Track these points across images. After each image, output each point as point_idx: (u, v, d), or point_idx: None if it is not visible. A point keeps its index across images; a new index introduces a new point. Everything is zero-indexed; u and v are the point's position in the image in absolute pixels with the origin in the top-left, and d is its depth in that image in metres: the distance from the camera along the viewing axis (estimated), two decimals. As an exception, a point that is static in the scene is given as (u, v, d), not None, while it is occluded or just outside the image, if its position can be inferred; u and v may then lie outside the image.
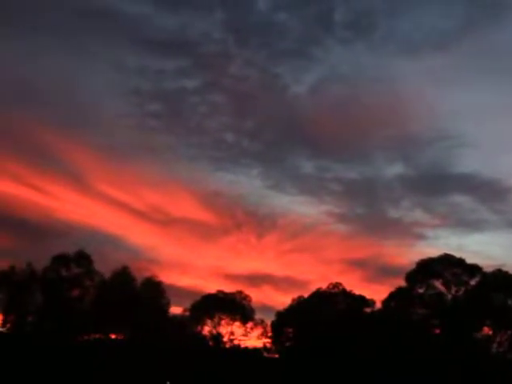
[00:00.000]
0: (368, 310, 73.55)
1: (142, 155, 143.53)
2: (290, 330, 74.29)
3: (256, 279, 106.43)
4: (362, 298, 74.36)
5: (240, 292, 75.72)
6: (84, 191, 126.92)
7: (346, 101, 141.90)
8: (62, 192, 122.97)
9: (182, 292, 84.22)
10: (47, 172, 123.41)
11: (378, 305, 72.18)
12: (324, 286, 75.25)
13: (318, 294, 74.42)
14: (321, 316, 70.12)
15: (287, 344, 74.19)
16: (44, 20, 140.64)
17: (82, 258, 66.72)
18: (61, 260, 66.31)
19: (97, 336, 66.36)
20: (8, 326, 64.08)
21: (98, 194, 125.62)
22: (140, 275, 70.48)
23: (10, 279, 64.34)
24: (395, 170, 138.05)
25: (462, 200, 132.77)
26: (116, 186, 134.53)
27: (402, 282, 68.58)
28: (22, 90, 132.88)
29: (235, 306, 74.36)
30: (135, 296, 67.41)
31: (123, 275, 68.68)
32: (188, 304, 73.99)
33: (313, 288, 76.94)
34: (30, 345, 62.34)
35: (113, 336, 67.57)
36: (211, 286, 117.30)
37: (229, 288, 77.62)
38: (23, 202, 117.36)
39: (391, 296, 69.08)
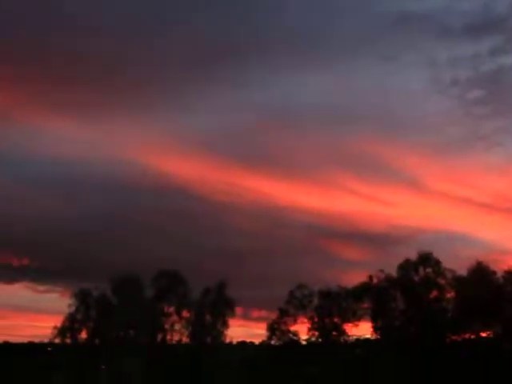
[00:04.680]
0: None
1: (473, 145, 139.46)
2: None
3: None
4: None
5: None
6: (422, 193, 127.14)
7: None
8: (400, 198, 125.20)
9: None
10: (383, 182, 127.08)
11: None
12: None
13: None
14: None
15: None
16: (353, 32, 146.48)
17: (428, 259, 66.05)
18: (408, 264, 66.46)
19: (466, 335, 64.82)
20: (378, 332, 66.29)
21: (436, 194, 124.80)
22: (497, 268, 67.00)
23: (370, 289, 66.66)
24: None
25: None
26: (454, 181, 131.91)
27: None
28: (343, 107, 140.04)
29: None
30: (498, 290, 64.20)
31: (480, 271, 65.94)
32: None
33: None
34: (399, 348, 63.37)
35: (483, 334, 65.29)
36: None
37: None
38: (366, 215, 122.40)
39: None
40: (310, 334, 66.89)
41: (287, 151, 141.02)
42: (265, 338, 68.46)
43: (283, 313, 66.70)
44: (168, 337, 66.81)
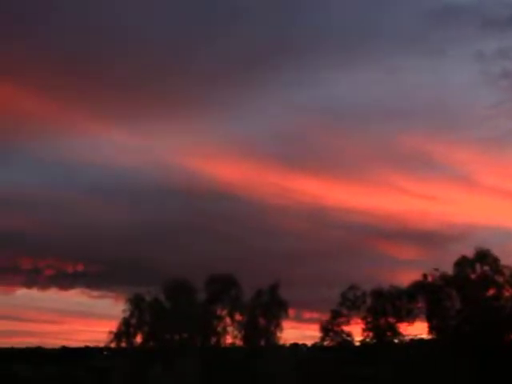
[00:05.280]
0: None
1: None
2: None
3: None
4: None
5: None
6: (474, 189, 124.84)
7: None
8: (451, 195, 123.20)
9: None
10: (433, 178, 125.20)
11: None
12: None
13: None
14: None
15: None
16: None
17: (486, 256, 64.53)
18: (465, 262, 65.08)
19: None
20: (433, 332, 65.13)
21: (488, 189, 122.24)
22: None
23: (425, 288, 65.54)
24: None
25: None
26: (506, 176, 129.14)
27: None
28: (391, 104, 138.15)
29: None
30: None
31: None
32: None
33: None
34: (455, 348, 62.18)
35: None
36: None
37: None
38: (417, 213, 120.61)
39: None
40: (365, 334, 66.27)
41: (335, 151, 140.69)
42: (317, 340, 68.20)
43: (336, 314, 66.18)
44: (221, 340, 67.05)
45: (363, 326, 66.55)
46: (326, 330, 66.25)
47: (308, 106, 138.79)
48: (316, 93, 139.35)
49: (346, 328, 66.82)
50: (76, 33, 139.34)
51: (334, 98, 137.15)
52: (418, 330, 67.12)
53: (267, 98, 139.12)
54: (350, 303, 66.58)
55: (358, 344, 67.74)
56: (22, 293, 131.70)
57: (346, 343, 66.85)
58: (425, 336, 66.74)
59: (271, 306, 66.66)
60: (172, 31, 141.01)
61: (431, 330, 65.08)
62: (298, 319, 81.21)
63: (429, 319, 65.15)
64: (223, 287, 66.40)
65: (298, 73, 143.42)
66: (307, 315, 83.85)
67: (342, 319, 66.44)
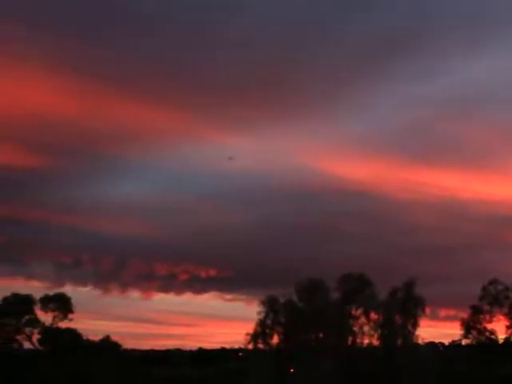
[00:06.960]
0: None
1: None
2: None
3: None
4: None
5: None
6: None
7: None
8: None
9: None
10: None
11: None
12: None
13: None
14: None
15: None
16: None
17: None
18: None
19: None
20: None
21: None
22: None
23: None
24: None
25: None
26: None
27: None
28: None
29: None
30: None
31: None
32: None
33: None
34: None
35: None
36: None
37: None
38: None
39: None
40: (509, 332, 62.90)
41: (467, 141, 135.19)
42: (455, 338, 65.74)
43: (477, 310, 63.30)
44: (358, 339, 66.10)
45: (507, 322, 63.30)
46: (467, 327, 63.56)
47: (436, 96, 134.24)
48: (445, 82, 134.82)
49: (488, 325, 63.88)
50: (198, 45, 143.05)
51: (465, 86, 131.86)
52: None
53: (394, 90, 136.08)
54: (491, 298, 63.50)
55: (501, 342, 64.55)
56: (159, 297, 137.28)
57: (489, 341, 63.86)
58: None
59: (407, 304, 64.83)
60: (282, 33, 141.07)
61: None
62: (434, 317, 78.76)
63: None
64: (357, 286, 65.47)
65: (426, 62, 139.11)
66: (443, 313, 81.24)
67: (485, 316, 63.47)
